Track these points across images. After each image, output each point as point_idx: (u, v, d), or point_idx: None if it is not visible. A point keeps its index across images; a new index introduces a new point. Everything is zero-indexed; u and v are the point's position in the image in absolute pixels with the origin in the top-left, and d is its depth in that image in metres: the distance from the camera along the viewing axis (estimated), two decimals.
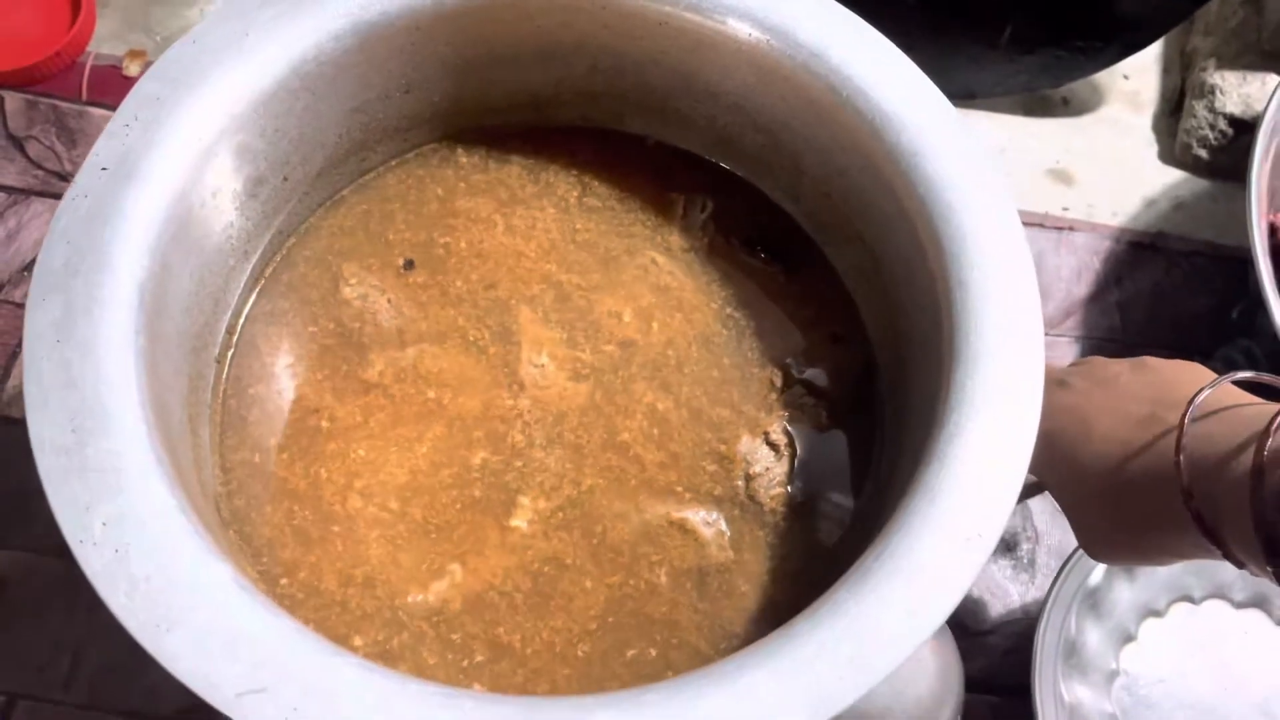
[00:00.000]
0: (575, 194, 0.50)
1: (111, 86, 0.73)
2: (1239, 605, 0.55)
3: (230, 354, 0.45)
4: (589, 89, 0.50)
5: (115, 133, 0.39)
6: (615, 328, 0.47)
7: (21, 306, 0.65)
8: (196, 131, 0.40)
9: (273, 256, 0.47)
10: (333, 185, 0.48)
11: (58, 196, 0.69)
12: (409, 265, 0.48)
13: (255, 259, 0.46)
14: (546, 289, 0.48)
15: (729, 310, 0.48)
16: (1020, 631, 0.59)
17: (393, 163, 0.50)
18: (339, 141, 0.47)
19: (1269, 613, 0.55)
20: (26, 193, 0.69)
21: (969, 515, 0.35)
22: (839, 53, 0.43)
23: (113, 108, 0.71)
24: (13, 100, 0.72)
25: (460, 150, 0.51)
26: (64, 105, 0.72)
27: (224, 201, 0.42)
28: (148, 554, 0.32)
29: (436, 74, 0.47)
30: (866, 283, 0.47)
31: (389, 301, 0.47)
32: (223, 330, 0.45)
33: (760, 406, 0.46)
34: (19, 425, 0.61)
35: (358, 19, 0.43)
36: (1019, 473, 0.36)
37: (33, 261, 0.66)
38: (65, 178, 0.69)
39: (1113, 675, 0.53)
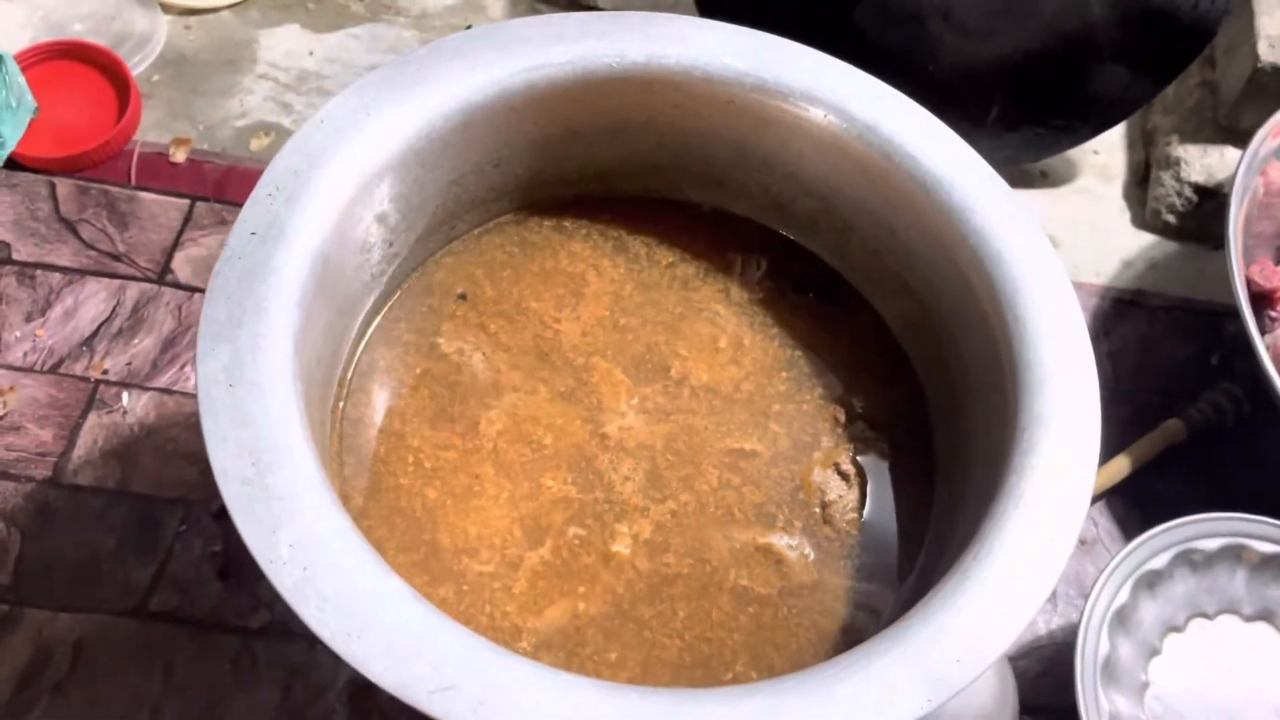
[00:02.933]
0: (641, 256, 0.55)
1: (159, 172, 0.77)
2: (1248, 619, 0.60)
3: (342, 405, 0.49)
4: (654, 162, 0.55)
5: (259, 201, 0.43)
6: (688, 374, 0.52)
7: (82, 379, 0.68)
8: (331, 199, 0.44)
9: (375, 315, 0.51)
10: (427, 250, 0.53)
11: (112, 276, 0.72)
12: (462, 298, 0.52)
13: (362, 316, 0.50)
14: (622, 342, 0.53)
15: (790, 354, 0.53)
16: (1049, 656, 0.64)
17: (476, 231, 0.54)
18: (436, 210, 0.51)
19: (1275, 625, 0.60)
20: (81, 272, 0.72)
21: (1050, 517, 0.40)
22: (890, 124, 0.49)
23: (161, 192, 0.76)
24: (64, 186, 0.75)
25: (536, 219, 0.56)
26: (114, 190, 0.76)
27: (349, 262, 0.46)
28: (332, 570, 0.36)
29: (523, 149, 0.52)
30: (914, 328, 0.53)
31: (483, 355, 0.51)
32: (336, 382, 0.48)
33: (828, 440, 0.51)
34: (87, 492, 0.64)
35: (465, 100, 0.48)
36: (1089, 479, 0.41)
37: (91, 336, 0.70)
38: (119, 258, 0.73)
39: (1144, 686, 0.57)
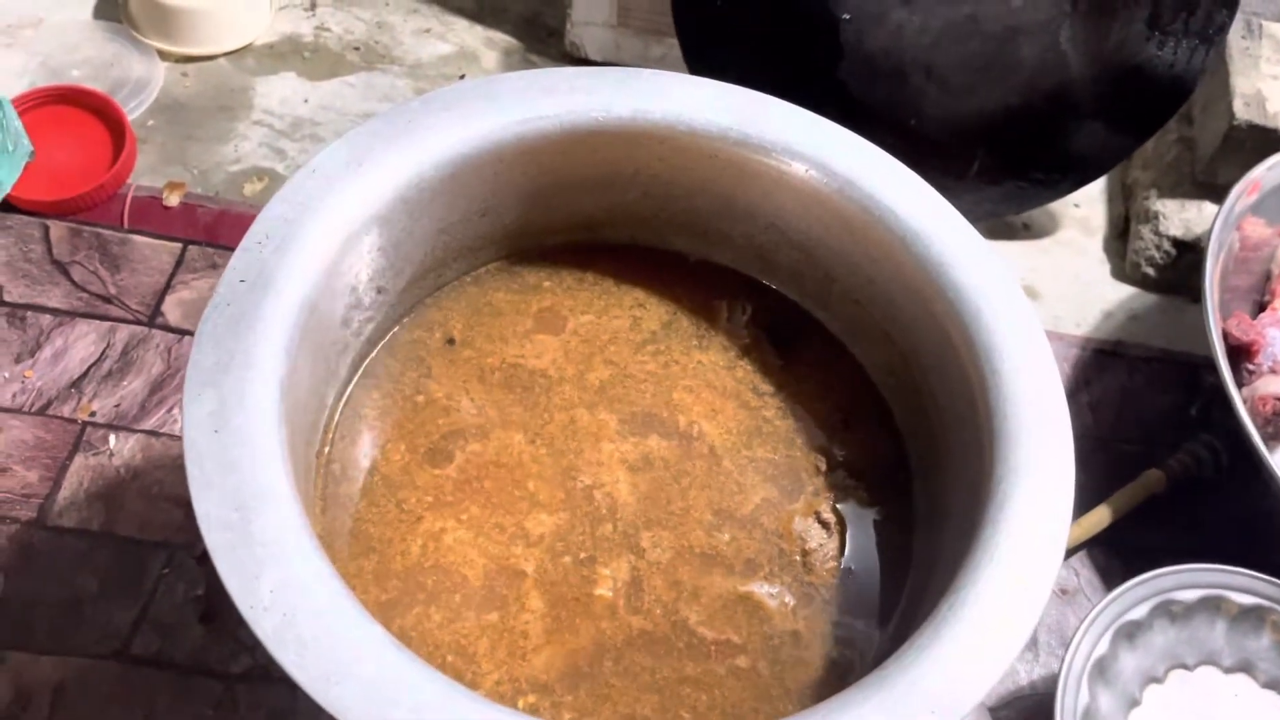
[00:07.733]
0: (626, 304, 0.56)
1: (152, 216, 0.78)
2: (1228, 670, 0.60)
3: (327, 450, 0.49)
4: (639, 213, 0.56)
5: (249, 249, 0.44)
6: (672, 421, 0.52)
7: (70, 421, 0.68)
8: (319, 248, 0.45)
9: (362, 360, 0.52)
10: (415, 297, 0.53)
11: (103, 318, 0.72)
12: (450, 343, 0.53)
13: (349, 362, 0.50)
14: (607, 389, 0.53)
15: (774, 402, 0.54)
16: (1030, 706, 0.64)
17: (465, 278, 0.55)
18: (424, 259, 0.52)
19: (1254, 677, 0.60)
20: (72, 314, 0.72)
21: (1025, 568, 0.40)
22: (870, 179, 0.51)
23: (154, 235, 0.77)
24: (57, 229, 0.76)
25: (523, 267, 0.56)
26: (106, 233, 0.77)
27: (337, 309, 0.47)
28: (313, 616, 0.36)
29: (510, 199, 0.53)
30: (894, 377, 0.53)
31: (470, 400, 0.51)
32: (321, 427, 0.49)
33: (810, 488, 0.51)
34: (71, 534, 0.64)
35: (455, 151, 0.49)
36: (1064, 530, 0.41)
37: (80, 378, 0.70)
38: (109, 300, 0.73)
39: None
